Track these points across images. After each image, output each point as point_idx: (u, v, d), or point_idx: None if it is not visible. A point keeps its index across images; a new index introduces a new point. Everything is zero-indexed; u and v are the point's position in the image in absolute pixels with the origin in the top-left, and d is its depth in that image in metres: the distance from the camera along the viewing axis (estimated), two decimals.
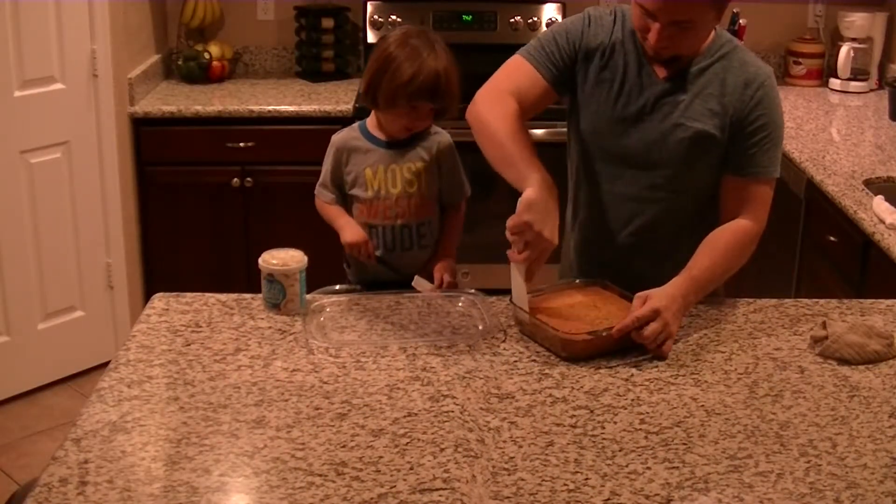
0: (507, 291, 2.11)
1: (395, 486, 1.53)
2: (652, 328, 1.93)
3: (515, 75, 2.19)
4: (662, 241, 2.23)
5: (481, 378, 1.87)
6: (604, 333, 1.94)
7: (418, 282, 2.32)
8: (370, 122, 2.43)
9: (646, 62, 2.15)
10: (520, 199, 1.95)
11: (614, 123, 2.19)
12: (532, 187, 1.94)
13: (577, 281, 2.21)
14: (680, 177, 2.18)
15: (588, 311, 2.05)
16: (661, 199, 2.20)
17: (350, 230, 2.38)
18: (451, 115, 2.37)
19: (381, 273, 2.41)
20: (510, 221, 1.94)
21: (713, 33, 2.16)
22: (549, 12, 4.30)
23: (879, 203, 2.77)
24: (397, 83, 2.27)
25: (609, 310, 2.06)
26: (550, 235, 1.94)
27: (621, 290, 2.11)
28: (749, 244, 2.15)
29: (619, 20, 2.18)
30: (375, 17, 4.27)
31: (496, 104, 2.14)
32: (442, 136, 2.45)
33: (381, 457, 1.61)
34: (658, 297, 1.97)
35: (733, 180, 2.16)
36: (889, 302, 2.21)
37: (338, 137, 2.44)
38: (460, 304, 2.17)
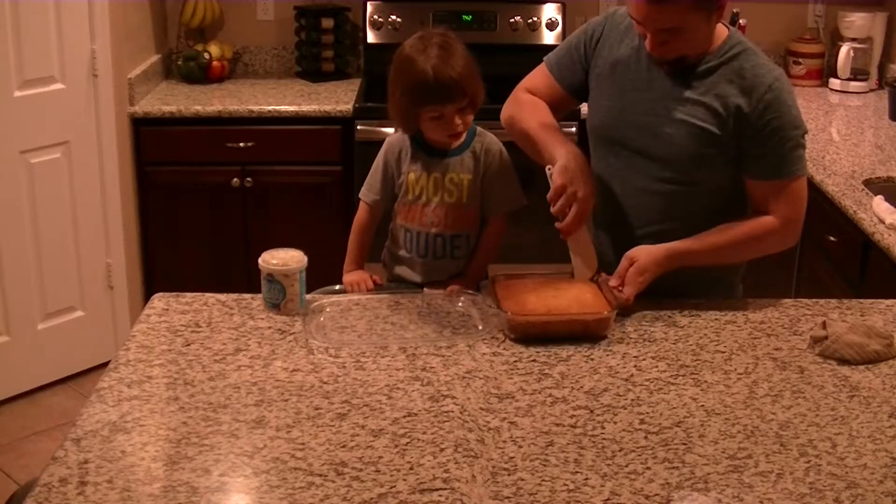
0: None
1: (395, 486, 1.53)
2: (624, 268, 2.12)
3: (536, 81, 2.37)
4: (674, 235, 2.23)
5: (481, 378, 1.87)
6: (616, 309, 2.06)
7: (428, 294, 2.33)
8: None
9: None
10: (548, 169, 2.14)
11: (622, 116, 2.22)
12: (560, 158, 2.12)
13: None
14: (687, 171, 2.19)
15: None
16: (672, 193, 2.21)
17: (351, 268, 2.42)
18: (481, 101, 2.28)
19: (408, 275, 2.40)
20: (549, 193, 2.11)
21: (725, 33, 2.18)
22: (549, 12, 4.30)
23: (879, 203, 2.77)
24: (405, 102, 2.25)
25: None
26: (585, 194, 2.10)
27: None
28: (764, 234, 2.19)
29: None
30: (375, 17, 4.27)
31: (514, 101, 2.35)
32: (488, 141, 2.36)
33: (381, 457, 1.61)
34: (641, 252, 2.13)
35: (758, 185, 2.18)
36: (889, 302, 2.21)
37: (392, 137, 2.41)
38: (460, 304, 2.17)
